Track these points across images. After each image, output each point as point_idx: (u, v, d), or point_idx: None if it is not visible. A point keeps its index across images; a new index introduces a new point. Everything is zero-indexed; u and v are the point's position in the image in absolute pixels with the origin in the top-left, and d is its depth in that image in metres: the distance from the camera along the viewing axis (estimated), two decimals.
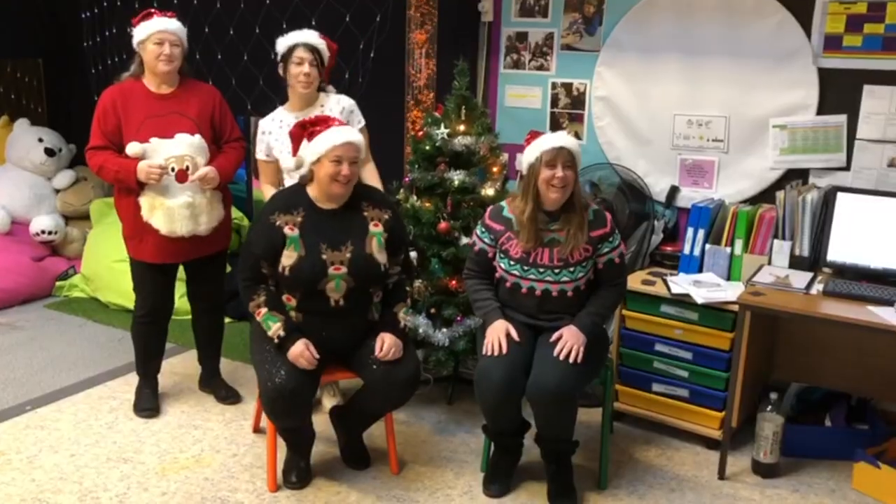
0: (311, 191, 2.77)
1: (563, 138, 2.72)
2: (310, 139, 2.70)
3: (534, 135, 2.78)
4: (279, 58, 3.19)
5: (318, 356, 2.66)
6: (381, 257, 2.77)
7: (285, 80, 3.20)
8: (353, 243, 2.73)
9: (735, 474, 3.02)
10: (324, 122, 2.73)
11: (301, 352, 2.64)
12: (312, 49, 3.13)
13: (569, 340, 2.64)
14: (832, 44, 3.25)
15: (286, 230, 2.69)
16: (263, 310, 2.70)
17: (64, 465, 2.95)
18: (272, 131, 3.23)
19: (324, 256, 2.68)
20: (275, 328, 2.66)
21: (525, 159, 2.77)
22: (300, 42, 3.13)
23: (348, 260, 2.70)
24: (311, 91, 3.20)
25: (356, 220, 2.78)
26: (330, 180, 2.67)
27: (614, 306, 2.90)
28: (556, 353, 2.62)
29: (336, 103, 3.25)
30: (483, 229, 2.86)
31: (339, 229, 2.74)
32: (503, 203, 2.86)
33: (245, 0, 4.72)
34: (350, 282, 2.71)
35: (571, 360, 2.60)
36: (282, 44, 3.18)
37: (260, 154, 3.30)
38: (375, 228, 2.78)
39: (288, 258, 2.68)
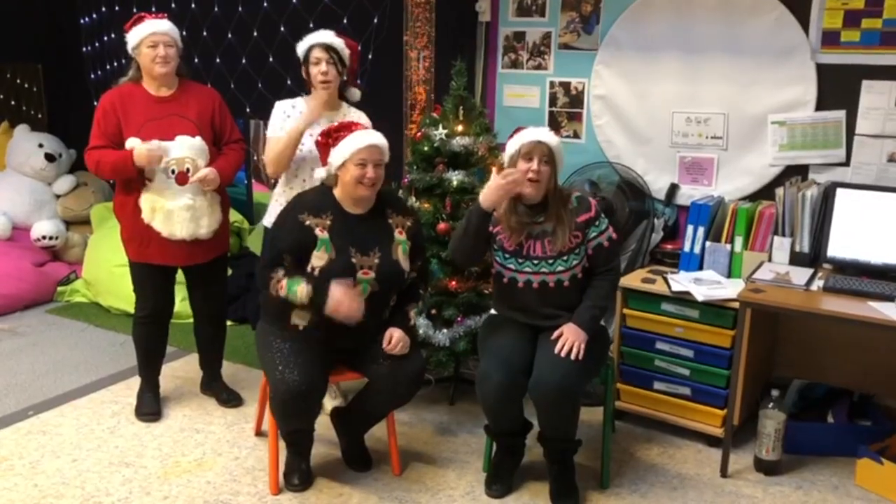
0: (337, 194, 2.77)
1: (542, 133, 2.73)
2: (334, 145, 2.71)
3: (518, 130, 2.79)
4: (300, 61, 3.21)
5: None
6: (406, 264, 2.80)
7: (308, 82, 3.20)
8: (381, 249, 2.75)
9: (737, 472, 3.01)
10: (347, 128, 2.75)
11: (344, 291, 2.61)
12: (328, 48, 3.13)
13: (569, 337, 2.64)
14: (830, 39, 3.24)
15: (317, 231, 2.70)
16: (284, 281, 2.67)
17: (66, 470, 2.95)
18: (291, 115, 3.20)
19: (353, 260, 2.70)
20: (301, 291, 2.63)
21: (506, 152, 2.78)
22: (316, 42, 3.14)
23: (376, 266, 2.72)
24: (333, 91, 3.19)
25: (382, 227, 2.80)
26: (356, 183, 2.68)
27: (609, 295, 2.86)
28: (557, 350, 2.62)
29: (357, 119, 3.25)
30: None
31: (366, 234, 2.75)
32: None
33: (243, 3, 4.73)
34: (375, 286, 2.73)
35: (573, 356, 2.60)
36: (300, 47, 3.19)
37: (279, 132, 3.18)
38: (400, 236, 2.80)
39: (319, 259, 2.69)
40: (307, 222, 2.70)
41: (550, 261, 2.74)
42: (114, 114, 3.09)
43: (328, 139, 2.74)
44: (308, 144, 3.12)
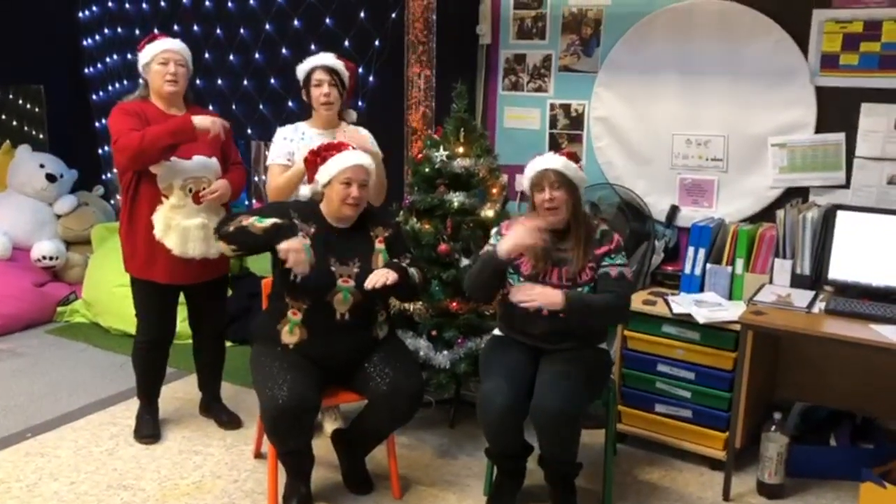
0: (323, 209, 2.85)
1: (547, 160, 2.73)
2: (322, 163, 2.79)
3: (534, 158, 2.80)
4: (301, 83, 3.25)
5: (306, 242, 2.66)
6: None
7: (309, 103, 3.25)
8: (361, 259, 2.80)
9: (740, 495, 2.99)
10: (336, 147, 2.81)
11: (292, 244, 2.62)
12: (330, 70, 3.18)
13: (537, 290, 2.61)
14: (829, 62, 3.26)
15: (300, 233, 2.75)
16: (252, 217, 2.69)
17: (64, 493, 2.93)
18: (293, 139, 3.23)
19: (332, 268, 2.75)
20: (267, 220, 2.65)
21: (524, 185, 2.81)
22: (317, 65, 3.19)
23: (356, 274, 2.76)
24: (334, 112, 3.24)
25: (364, 239, 2.87)
26: (340, 202, 2.77)
27: (607, 306, 2.70)
28: (512, 293, 2.62)
29: (357, 132, 3.27)
30: (499, 237, 2.82)
31: (347, 246, 2.81)
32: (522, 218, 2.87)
33: (245, 26, 4.76)
34: (357, 295, 2.75)
35: (529, 307, 2.60)
36: (301, 69, 3.24)
37: (279, 159, 3.22)
38: (380, 245, 2.87)
39: None
40: (294, 218, 2.78)
41: (565, 290, 2.72)
42: (139, 116, 3.06)
43: (317, 157, 2.82)
44: None
